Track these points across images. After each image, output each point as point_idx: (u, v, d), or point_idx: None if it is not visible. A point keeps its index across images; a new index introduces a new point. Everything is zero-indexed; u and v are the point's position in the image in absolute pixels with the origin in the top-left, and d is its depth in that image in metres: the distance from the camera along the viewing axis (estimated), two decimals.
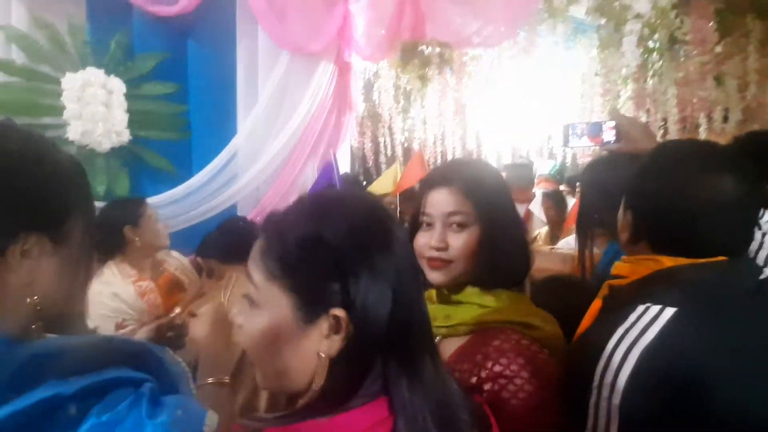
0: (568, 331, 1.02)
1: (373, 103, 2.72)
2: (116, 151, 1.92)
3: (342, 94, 2.40)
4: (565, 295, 1.10)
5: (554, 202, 2.63)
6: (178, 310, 1.45)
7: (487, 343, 0.62)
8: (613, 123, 0.92)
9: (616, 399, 0.53)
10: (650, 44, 2.08)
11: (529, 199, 2.58)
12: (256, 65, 2.15)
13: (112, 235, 1.47)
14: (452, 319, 0.67)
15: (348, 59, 2.32)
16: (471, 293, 0.67)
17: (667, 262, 0.60)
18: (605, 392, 0.54)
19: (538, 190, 2.86)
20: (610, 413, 0.54)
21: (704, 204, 0.59)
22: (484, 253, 0.65)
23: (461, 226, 0.66)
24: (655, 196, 0.63)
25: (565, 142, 1.02)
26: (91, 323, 1.20)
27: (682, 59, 2.04)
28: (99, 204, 1.78)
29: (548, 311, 1.07)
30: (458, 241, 0.66)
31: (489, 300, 0.66)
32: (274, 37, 2.11)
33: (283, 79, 2.14)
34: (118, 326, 1.37)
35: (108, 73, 1.86)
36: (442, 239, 0.67)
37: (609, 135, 0.95)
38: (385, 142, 2.80)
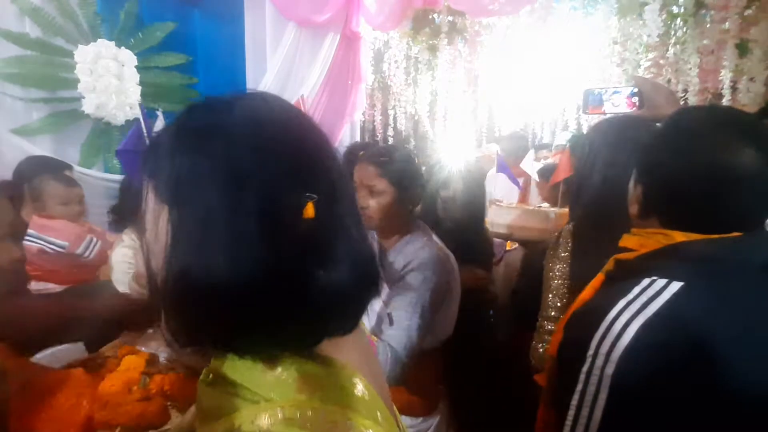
0: None
1: (383, 75, 2.67)
2: (130, 124, 1.94)
3: (351, 66, 2.36)
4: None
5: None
6: None
7: None
8: (633, 89, 0.89)
9: (610, 369, 0.53)
10: (674, 9, 1.98)
11: (524, 174, 2.51)
12: (263, 37, 2.12)
13: (134, 200, 1.54)
14: None
15: (357, 29, 2.27)
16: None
17: (679, 237, 0.58)
18: (599, 361, 0.54)
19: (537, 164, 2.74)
20: (602, 382, 0.53)
21: (720, 178, 0.55)
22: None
23: None
24: (668, 168, 0.59)
25: (585, 109, 1.00)
26: (119, 286, 1.29)
27: (708, 25, 1.94)
28: (118, 178, 1.83)
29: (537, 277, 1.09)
30: None
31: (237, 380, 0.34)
32: (280, 8, 2.06)
33: (290, 50, 2.11)
34: None
35: (119, 45, 1.86)
36: None
37: (621, 104, 0.93)
38: (395, 114, 2.76)
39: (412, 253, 1.04)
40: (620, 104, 0.93)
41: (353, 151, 1.57)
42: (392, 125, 2.78)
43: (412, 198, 1.07)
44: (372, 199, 1.02)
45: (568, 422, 0.56)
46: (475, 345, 1.30)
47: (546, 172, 2.19)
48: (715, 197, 0.56)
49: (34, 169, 1.48)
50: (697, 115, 0.63)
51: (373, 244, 1.13)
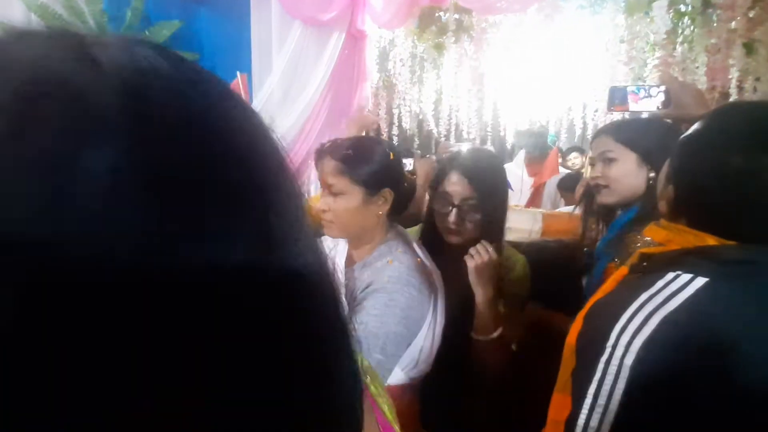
0: (557, 291, 1.00)
1: (389, 73, 2.67)
2: None
3: (356, 64, 2.36)
4: (554, 259, 1.08)
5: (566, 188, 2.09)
6: None
7: None
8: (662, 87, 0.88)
9: (629, 359, 0.53)
10: (681, 8, 1.98)
11: (543, 174, 2.43)
12: (269, 35, 2.12)
13: None
14: None
15: (362, 27, 2.27)
16: None
17: (710, 240, 0.56)
18: (618, 352, 0.54)
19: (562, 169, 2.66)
20: (620, 372, 0.53)
21: (757, 186, 0.53)
22: None
23: None
24: (700, 174, 0.57)
25: (610, 107, 0.99)
26: None
27: (714, 24, 1.94)
28: None
29: (539, 275, 0.98)
30: None
31: None
32: (286, 6, 2.06)
33: (296, 49, 2.11)
34: None
35: None
36: None
37: (644, 102, 0.92)
38: (400, 113, 2.76)
39: (378, 270, 0.84)
40: (649, 102, 0.91)
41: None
42: (397, 124, 2.77)
43: (384, 202, 0.88)
44: (332, 200, 0.85)
45: (584, 411, 0.56)
46: (465, 380, 0.97)
47: (570, 183, 2.07)
48: (748, 206, 0.54)
49: None
50: (733, 117, 0.60)
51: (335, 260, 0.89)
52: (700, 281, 0.54)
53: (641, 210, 0.89)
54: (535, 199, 2.36)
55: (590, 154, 1.04)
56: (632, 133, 0.93)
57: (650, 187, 0.89)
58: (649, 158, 0.90)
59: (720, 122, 0.60)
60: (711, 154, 0.57)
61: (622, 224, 0.94)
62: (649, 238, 0.76)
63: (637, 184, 0.93)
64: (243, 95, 1.32)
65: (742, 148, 0.55)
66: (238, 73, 1.26)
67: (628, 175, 0.92)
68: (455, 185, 0.97)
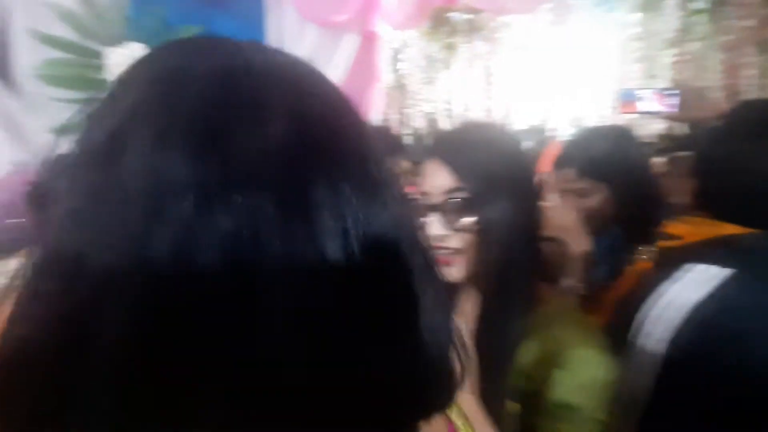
0: None
1: (401, 74, 2.69)
2: None
3: (369, 65, 2.37)
4: None
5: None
6: None
7: None
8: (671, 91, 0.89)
9: (653, 351, 0.53)
10: (697, 5, 1.97)
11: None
12: (285, 39, 2.15)
13: None
14: None
15: (375, 29, 2.28)
16: None
17: (730, 229, 0.57)
18: (641, 345, 0.54)
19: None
20: (642, 366, 0.53)
21: None
22: None
23: None
24: (723, 161, 0.58)
25: (620, 108, 0.99)
26: None
27: (730, 21, 1.92)
28: None
29: None
30: None
31: None
32: (300, 9, 2.09)
33: (311, 51, 2.14)
34: None
35: (148, 47, 1.91)
36: None
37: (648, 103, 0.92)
38: (412, 113, 2.77)
39: None
40: (656, 104, 0.92)
41: None
42: (410, 124, 2.79)
43: None
44: None
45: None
46: None
47: None
48: None
49: None
50: (757, 110, 0.62)
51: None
52: (725, 272, 0.54)
53: (628, 232, 0.86)
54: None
55: (553, 183, 0.95)
56: (599, 164, 0.88)
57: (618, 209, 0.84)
58: (618, 188, 0.86)
59: (746, 112, 0.61)
60: (737, 140, 0.58)
61: (607, 246, 0.88)
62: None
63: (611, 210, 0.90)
64: None
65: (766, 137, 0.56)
66: None
67: (604, 206, 0.89)
68: (432, 176, 0.55)
